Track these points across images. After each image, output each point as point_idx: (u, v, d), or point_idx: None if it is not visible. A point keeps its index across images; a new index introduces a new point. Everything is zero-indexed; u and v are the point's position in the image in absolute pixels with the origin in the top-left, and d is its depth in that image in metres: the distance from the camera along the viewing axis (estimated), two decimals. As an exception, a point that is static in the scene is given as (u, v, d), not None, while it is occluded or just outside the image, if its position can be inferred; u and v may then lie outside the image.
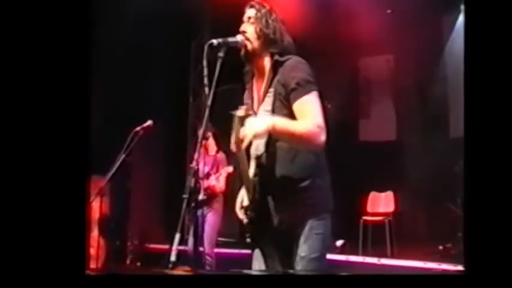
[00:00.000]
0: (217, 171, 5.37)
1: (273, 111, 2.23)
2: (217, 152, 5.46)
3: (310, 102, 2.18)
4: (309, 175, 2.20)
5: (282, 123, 2.11)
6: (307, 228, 2.17)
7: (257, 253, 2.34)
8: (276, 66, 2.28)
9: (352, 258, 6.37)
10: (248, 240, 2.28)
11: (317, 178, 2.23)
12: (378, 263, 6.00)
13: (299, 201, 2.19)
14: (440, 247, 6.45)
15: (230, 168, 5.34)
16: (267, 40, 2.32)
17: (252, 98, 2.41)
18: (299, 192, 2.20)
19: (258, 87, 2.39)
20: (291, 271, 2.14)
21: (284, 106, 2.21)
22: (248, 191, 2.28)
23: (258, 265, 2.32)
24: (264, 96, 2.30)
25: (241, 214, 2.34)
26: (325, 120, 2.15)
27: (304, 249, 2.16)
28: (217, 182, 5.30)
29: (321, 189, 2.25)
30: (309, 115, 2.15)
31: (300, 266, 2.14)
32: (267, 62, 2.34)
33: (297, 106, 2.18)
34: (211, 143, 5.46)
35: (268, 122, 2.09)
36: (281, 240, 2.23)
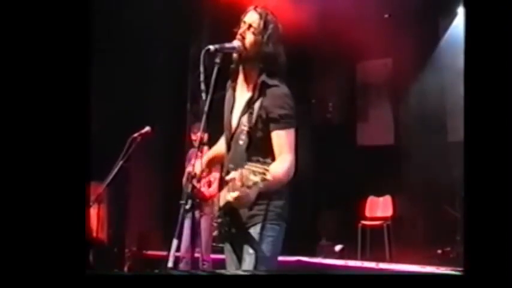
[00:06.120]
0: (209, 172, 5.31)
1: (251, 128, 2.30)
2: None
3: (289, 136, 2.27)
4: None
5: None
6: (258, 228, 2.28)
7: (225, 251, 2.48)
8: (262, 87, 2.31)
9: (351, 262, 6.36)
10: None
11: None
12: (376, 267, 5.99)
13: (257, 205, 2.27)
14: (439, 251, 6.45)
15: (217, 174, 5.28)
16: (262, 58, 2.33)
17: (232, 105, 2.44)
18: (259, 198, 2.23)
19: (239, 97, 2.42)
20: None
21: (261, 129, 2.30)
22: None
23: (229, 264, 2.44)
24: (245, 110, 2.34)
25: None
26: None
27: (253, 248, 2.26)
28: (207, 186, 5.23)
29: (278, 199, 2.33)
30: (284, 150, 2.25)
31: (250, 264, 2.24)
32: (254, 74, 2.36)
33: (275, 135, 2.27)
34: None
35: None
36: (238, 238, 2.34)
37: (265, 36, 2.32)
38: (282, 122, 2.26)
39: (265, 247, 2.27)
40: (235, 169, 2.22)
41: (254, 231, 2.28)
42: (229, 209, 2.32)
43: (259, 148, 2.26)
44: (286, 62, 2.39)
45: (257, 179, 1.91)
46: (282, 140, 2.26)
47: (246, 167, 1.94)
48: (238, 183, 2.00)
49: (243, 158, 2.24)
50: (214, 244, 2.47)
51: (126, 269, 7.39)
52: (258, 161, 1.93)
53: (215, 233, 2.44)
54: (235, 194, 2.02)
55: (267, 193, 2.24)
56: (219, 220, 2.41)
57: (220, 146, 2.66)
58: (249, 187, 1.94)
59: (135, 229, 8.12)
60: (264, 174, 1.90)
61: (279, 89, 2.30)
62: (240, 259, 2.34)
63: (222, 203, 2.37)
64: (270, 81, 2.31)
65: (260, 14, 2.35)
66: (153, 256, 7.46)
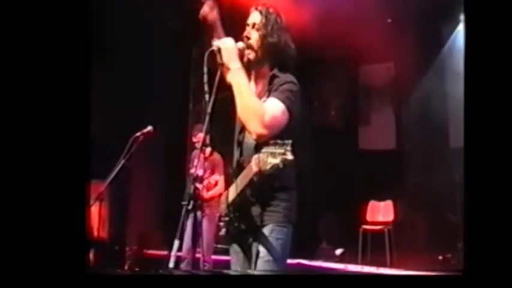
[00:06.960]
0: (212, 173, 5.31)
1: None
2: (211, 154, 5.19)
3: (280, 110, 2.16)
4: (280, 186, 2.27)
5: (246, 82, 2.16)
6: (268, 231, 2.24)
7: (231, 252, 2.45)
8: (272, 79, 2.31)
9: (351, 267, 6.35)
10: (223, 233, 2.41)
11: (286, 190, 2.31)
12: (377, 272, 5.97)
13: (267, 206, 2.26)
14: (440, 257, 6.43)
15: (217, 177, 5.27)
16: (270, 50, 2.34)
17: None
18: (269, 198, 2.27)
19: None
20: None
21: None
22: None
23: (234, 265, 2.42)
24: None
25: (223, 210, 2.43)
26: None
27: (263, 250, 2.23)
28: (206, 188, 5.21)
29: (288, 201, 2.31)
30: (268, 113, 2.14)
31: (259, 266, 2.21)
32: (265, 71, 2.36)
33: (268, 101, 2.20)
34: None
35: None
36: (247, 235, 2.32)
37: (269, 28, 2.34)
38: (280, 96, 2.18)
39: (276, 249, 2.24)
40: (245, 159, 2.25)
41: (263, 233, 2.26)
42: (239, 206, 2.32)
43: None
44: (295, 53, 2.39)
45: (277, 160, 1.85)
46: (270, 106, 2.16)
47: (263, 151, 1.90)
48: (255, 169, 1.97)
49: (253, 151, 2.23)
50: (220, 245, 2.47)
51: (126, 267, 7.41)
52: (275, 144, 1.88)
53: (222, 232, 2.41)
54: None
55: (276, 195, 2.26)
56: (227, 218, 2.39)
57: None
58: (266, 171, 1.89)
59: (136, 228, 8.13)
60: (285, 154, 1.84)
61: (287, 77, 2.29)
62: (247, 258, 2.33)
63: (231, 199, 2.36)
64: (280, 74, 2.32)
65: (261, 11, 2.39)
66: (154, 255, 7.47)
